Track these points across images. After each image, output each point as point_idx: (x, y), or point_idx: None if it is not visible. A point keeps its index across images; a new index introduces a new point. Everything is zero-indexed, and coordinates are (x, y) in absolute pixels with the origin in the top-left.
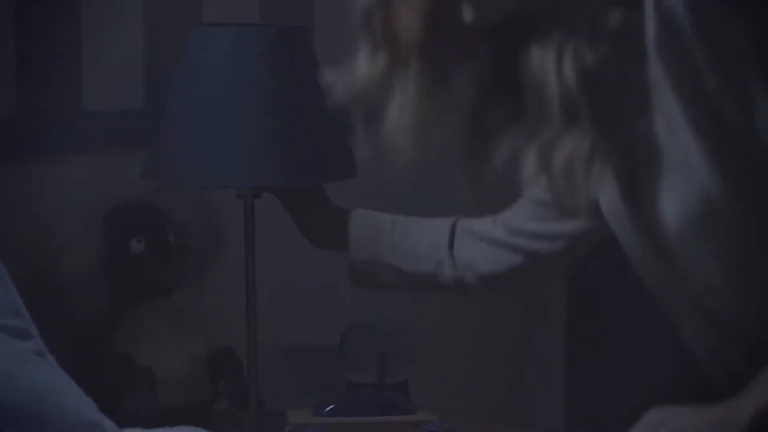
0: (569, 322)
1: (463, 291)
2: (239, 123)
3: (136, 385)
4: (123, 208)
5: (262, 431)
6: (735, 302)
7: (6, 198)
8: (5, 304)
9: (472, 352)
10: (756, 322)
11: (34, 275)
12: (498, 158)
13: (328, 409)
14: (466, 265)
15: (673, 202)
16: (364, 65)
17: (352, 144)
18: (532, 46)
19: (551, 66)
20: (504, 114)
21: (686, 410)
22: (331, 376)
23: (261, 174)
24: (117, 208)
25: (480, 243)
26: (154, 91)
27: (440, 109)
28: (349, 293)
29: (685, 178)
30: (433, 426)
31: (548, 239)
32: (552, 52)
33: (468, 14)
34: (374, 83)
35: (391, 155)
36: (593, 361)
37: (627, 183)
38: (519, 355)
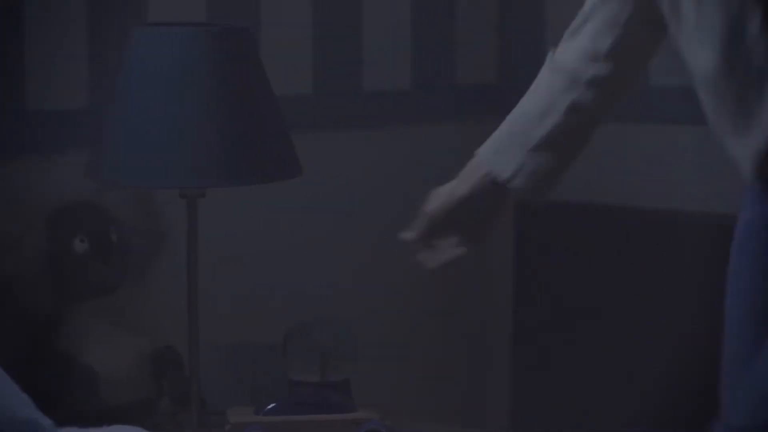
0: (516, 321)
1: (603, 93)
2: (183, 123)
3: (77, 384)
4: (66, 207)
5: (204, 430)
6: None
7: None
8: None
9: (415, 351)
10: None
11: None
12: None
13: (269, 407)
14: (589, 56)
15: None
16: None
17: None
18: None
19: None
20: None
21: None
22: (273, 375)
23: (204, 174)
24: (60, 208)
25: (581, 28)
26: (98, 90)
27: None
28: (291, 292)
29: None
30: (374, 424)
31: None
32: None
33: None
34: None
35: None
36: (540, 361)
37: None
38: (464, 354)
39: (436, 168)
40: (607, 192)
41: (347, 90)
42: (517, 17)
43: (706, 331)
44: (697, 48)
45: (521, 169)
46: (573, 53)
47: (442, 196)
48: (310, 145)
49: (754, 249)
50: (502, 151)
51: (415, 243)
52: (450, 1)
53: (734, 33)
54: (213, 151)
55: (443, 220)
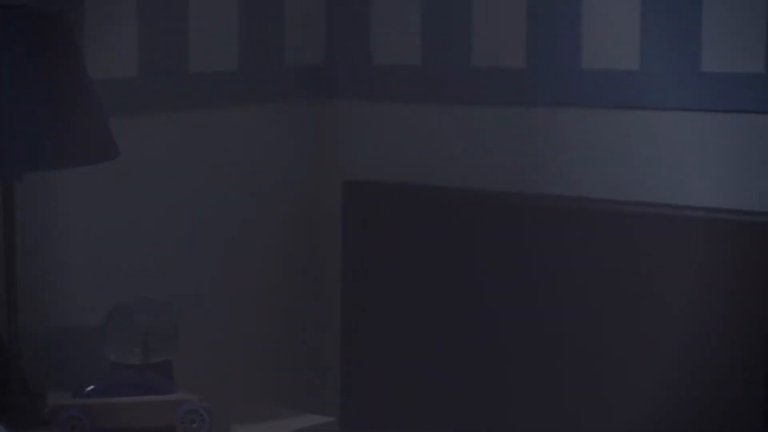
0: (345, 301)
1: None
2: None
3: None
4: None
5: (24, 414)
6: None
7: None
8: None
9: (239, 331)
10: None
11: None
12: None
13: (87, 389)
14: None
15: None
16: None
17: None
18: None
19: None
20: None
21: None
22: (94, 357)
23: (17, 158)
24: None
25: None
26: None
27: None
28: (111, 273)
29: None
30: (192, 405)
31: None
32: None
33: None
34: None
35: None
36: (371, 341)
37: None
38: (292, 334)
39: (264, 149)
40: (436, 172)
41: (173, 72)
42: None
43: (557, 309)
44: None
45: None
46: None
47: None
48: (136, 127)
49: None
50: None
51: None
52: None
53: None
54: (26, 135)
55: None
